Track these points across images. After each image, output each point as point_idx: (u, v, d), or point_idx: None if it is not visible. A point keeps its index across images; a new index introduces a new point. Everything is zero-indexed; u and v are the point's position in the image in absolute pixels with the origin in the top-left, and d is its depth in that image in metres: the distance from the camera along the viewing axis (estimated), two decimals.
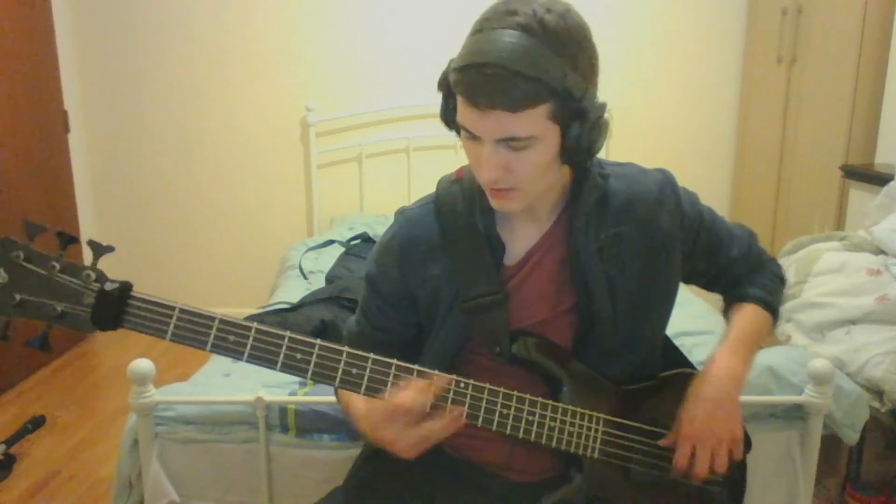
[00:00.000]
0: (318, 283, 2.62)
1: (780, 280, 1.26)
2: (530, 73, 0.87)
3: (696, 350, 1.96)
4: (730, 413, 1.09)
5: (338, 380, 0.96)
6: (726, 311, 1.25)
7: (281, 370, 0.95)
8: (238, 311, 2.36)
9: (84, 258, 0.96)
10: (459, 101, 0.94)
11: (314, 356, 0.95)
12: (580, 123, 0.93)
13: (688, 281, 1.23)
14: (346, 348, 0.97)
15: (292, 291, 2.56)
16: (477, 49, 0.90)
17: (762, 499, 1.58)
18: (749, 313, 1.19)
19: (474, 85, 0.89)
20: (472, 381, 1.01)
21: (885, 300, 1.89)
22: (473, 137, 0.96)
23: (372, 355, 0.97)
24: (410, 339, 1.16)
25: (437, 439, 0.97)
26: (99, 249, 0.92)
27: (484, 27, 0.92)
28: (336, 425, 1.58)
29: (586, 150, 0.96)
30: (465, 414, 0.99)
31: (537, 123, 0.92)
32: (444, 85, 0.99)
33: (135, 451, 1.59)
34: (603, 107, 0.96)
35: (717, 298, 1.30)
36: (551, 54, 0.89)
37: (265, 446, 1.57)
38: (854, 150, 2.66)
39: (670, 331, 1.22)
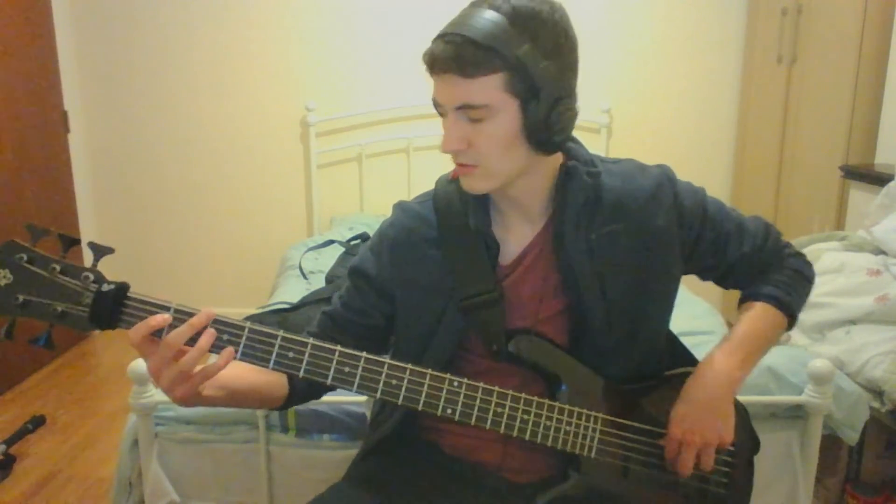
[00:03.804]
0: (318, 283, 2.62)
1: (802, 276, 1.19)
2: (483, 42, 0.93)
3: (696, 350, 1.94)
4: (720, 415, 1.07)
5: (330, 377, 0.97)
6: (739, 309, 1.22)
7: (273, 368, 0.96)
8: (238, 311, 2.36)
9: (84, 259, 0.98)
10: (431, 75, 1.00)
11: (306, 355, 0.96)
12: (537, 100, 0.96)
13: (702, 277, 1.21)
14: (338, 347, 0.98)
15: (292, 291, 2.55)
16: (448, 25, 0.97)
17: (762, 499, 1.58)
18: (757, 313, 1.15)
19: (434, 52, 0.96)
20: (465, 381, 1.01)
21: (885, 300, 1.89)
22: (442, 113, 1.00)
23: (364, 354, 0.98)
24: (379, 328, 1.17)
25: (201, 380, 0.93)
26: (99, 251, 0.95)
27: (463, 9, 0.98)
28: (336, 425, 1.58)
29: (545, 130, 0.97)
30: (238, 353, 0.94)
31: (491, 92, 0.95)
32: None
33: (135, 452, 1.59)
34: (567, 89, 0.99)
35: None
36: (510, 27, 0.93)
37: (265, 446, 1.57)
38: (854, 150, 2.66)
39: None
